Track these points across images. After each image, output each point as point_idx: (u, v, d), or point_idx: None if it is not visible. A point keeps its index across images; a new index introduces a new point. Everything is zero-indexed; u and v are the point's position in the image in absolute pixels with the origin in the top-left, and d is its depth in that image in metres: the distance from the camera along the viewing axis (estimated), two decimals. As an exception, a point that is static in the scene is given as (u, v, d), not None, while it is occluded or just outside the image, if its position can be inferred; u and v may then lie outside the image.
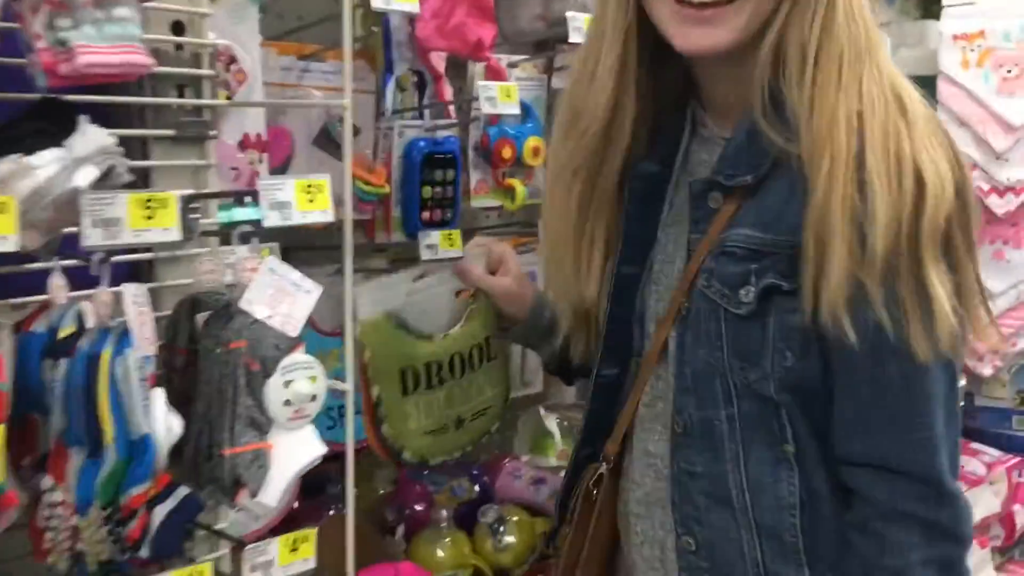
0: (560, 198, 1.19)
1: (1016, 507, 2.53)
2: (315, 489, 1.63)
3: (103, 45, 0.85)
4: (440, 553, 1.61)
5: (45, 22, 0.84)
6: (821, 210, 0.97)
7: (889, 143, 0.98)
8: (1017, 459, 2.57)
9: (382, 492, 1.79)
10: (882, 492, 1.02)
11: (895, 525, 1.01)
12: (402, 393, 1.34)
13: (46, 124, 0.89)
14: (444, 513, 1.65)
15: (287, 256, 1.65)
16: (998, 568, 2.46)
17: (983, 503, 2.35)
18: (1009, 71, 2.16)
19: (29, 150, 0.84)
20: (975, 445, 2.53)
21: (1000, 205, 2.17)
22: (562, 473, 1.89)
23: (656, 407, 1.15)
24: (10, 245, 0.80)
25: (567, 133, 1.16)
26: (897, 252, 0.96)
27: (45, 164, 0.84)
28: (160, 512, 0.92)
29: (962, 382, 1.21)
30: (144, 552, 0.91)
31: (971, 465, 2.43)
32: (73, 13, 0.84)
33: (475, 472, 1.83)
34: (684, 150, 1.16)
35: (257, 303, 1.02)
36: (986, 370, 2.28)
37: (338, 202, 1.55)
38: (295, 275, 1.06)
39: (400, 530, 1.64)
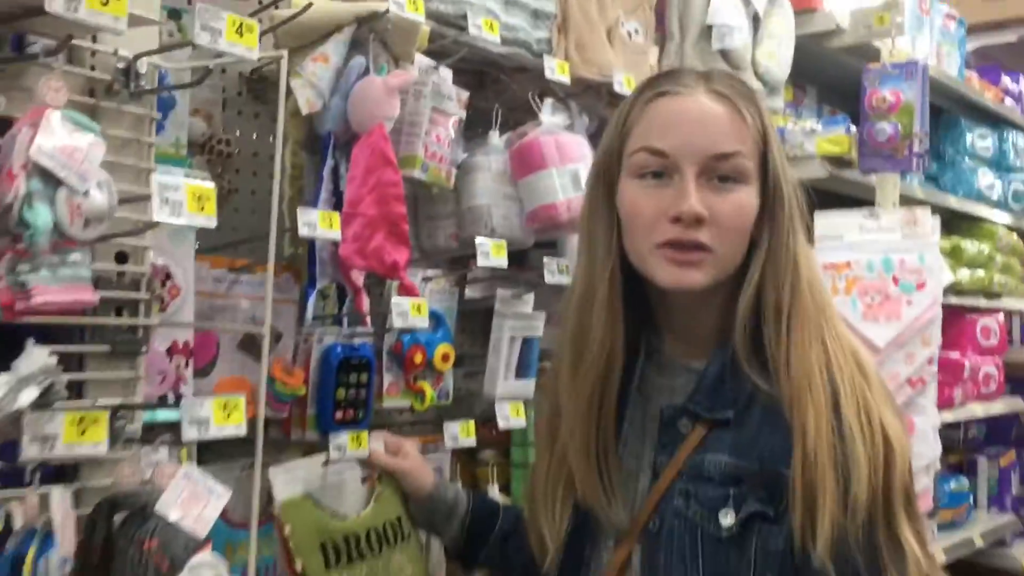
0: (581, 430, 1.26)
1: None
2: None
3: (56, 286, 1.01)
4: None
5: (8, 266, 1.00)
6: (810, 458, 1.09)
7: (858, 399, 1.13)
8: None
9: None
10: None
11: None
12: (324, 566, 1.44)
13: (-1, 348, 1.03)
14: None
15: (205, 449, 1.77)
16: None
17: None
18: (872, 299, 2.43)
19: (-18, 373, 0.98)
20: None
21: (869, 417, 2.40)
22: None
23: None
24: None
25: (575, 365, 1.26)
26: (874, 503, 1.09)
27: (-5, 387, 0.97)
28: None
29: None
30: None
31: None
32: (33, 260, 0.99)
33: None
34: (640, 373, 1.29)
35: (171, 506, 1.14)
36: None
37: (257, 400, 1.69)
38: (209, 481, 1.18)
39: None
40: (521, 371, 2.06)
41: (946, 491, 3.22)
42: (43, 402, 1.03)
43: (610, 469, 1.25)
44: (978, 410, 3.28)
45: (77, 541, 1.12)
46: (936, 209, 3.08)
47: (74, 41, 1.12)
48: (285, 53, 1.56)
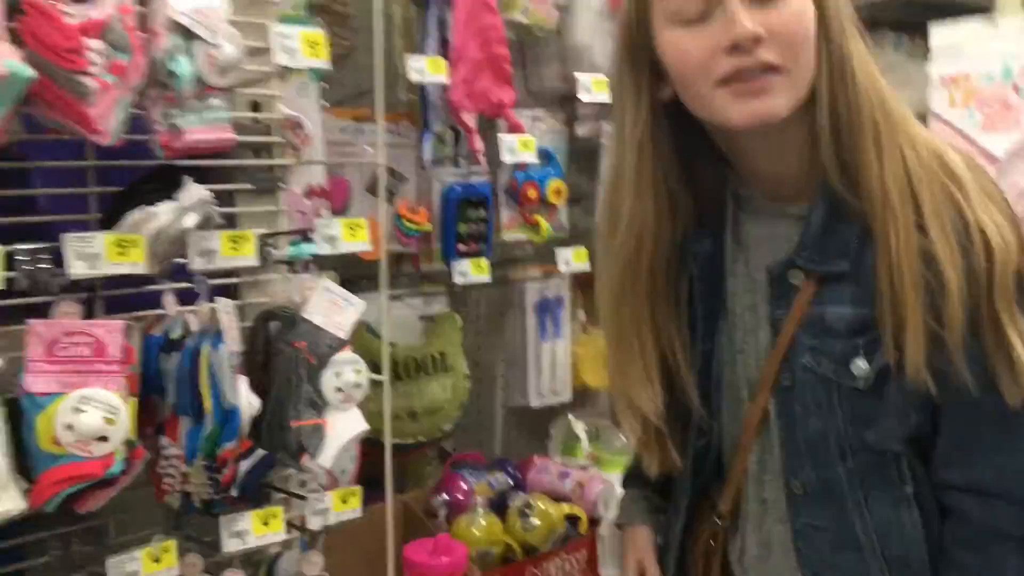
0: (618, 319, 1.20)
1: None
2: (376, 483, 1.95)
3: (202, 127, 1.19)
4: (476, 532, 1.90)
5: (162, 111, 1.18)
6: (895, 284, 1.04)
7: (949, 209, 1.04)
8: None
9: (431, 483, 2.09)
10: (981, 513, 1.12)
11: (994, 542, 1.12)
12: None
13: (162, 184, 1.23)
14: (480, 499, 1.94)
15: (351, 284, 1.99)
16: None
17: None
18: (991, 108, 2.39)
19: (151, 203, 1.18)
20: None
21: (988, 229, 2.39)
22: (585, 468, 2.18)
23: (764, 463, 1.22)
24: (140, 269, 1.14)
25: (609, 242, 1.19)
26: (976, 312, 1.03)
27: (163, 212, 1.18)
28: (244, 466, 1.25)
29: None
30: (233, 493, 1.23)
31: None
32: (181, 105, 1.18)
33: (509, 468, 2.12)
34: (732, 223, 1.21)
35: (315, 313, 1.35)
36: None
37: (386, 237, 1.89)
38: (344, 293, 1.38)
39: (443, 513, 1.93)
40: (631, 201, 2.17)
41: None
42: (202, 227, 1.24)
43: (670, 365, 1.20)
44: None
45: (243, 346, 1.34)
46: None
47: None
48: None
